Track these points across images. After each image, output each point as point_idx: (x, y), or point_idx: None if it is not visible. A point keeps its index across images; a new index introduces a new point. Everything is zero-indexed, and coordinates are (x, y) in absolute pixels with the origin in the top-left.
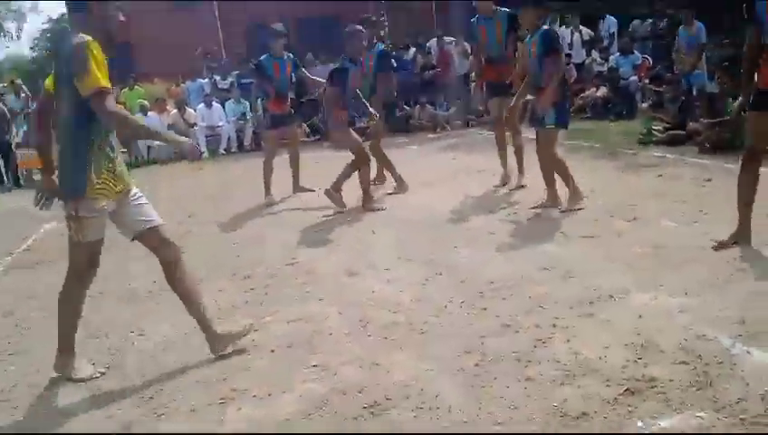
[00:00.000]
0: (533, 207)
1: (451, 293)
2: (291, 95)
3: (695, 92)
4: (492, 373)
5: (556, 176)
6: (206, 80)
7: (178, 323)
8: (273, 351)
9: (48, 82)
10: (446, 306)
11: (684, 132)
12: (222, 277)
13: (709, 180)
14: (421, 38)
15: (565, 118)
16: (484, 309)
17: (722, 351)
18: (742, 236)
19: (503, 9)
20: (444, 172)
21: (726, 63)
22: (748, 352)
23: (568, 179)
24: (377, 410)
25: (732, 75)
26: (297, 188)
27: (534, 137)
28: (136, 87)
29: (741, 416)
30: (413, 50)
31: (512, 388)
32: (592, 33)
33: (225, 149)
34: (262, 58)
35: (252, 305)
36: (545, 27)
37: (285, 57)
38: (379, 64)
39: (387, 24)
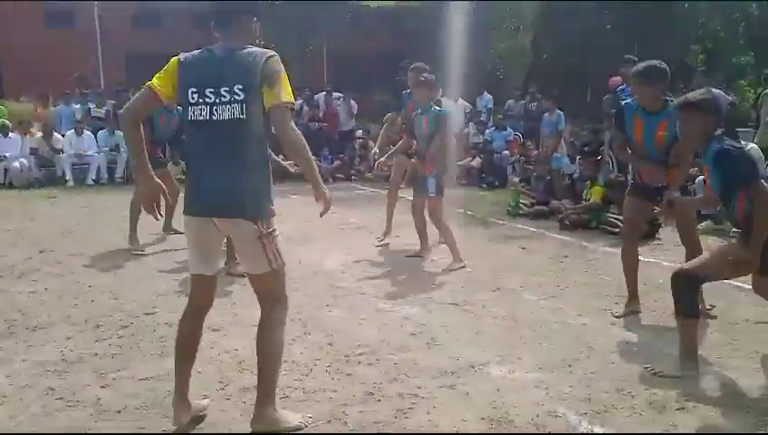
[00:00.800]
0: (409, 255)
1: (317, 355)
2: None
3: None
4: None
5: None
6: (79, 106)
7: (13, 374)
8: (119, 412)
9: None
10: (311, 370)
11: (547, 208)
12: (70, 324)
13: (566, 257)
14: (308, 91)
15: (442, 188)
16: (349, 375)
17: (569, 428)
18: (633, 305)
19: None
20: (324, 226)
21: (585, 149)
22: (592, 430)
23: (451, 243)
24: None
25: (589, 160)
26: (169, 227)
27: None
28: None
29: None
30: (300, 101)
31: None
32: (471, 107)
33: (93, 180)
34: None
35: (102, 359)
36: (437, 108)
37: (174, 110)
38: None
39: None
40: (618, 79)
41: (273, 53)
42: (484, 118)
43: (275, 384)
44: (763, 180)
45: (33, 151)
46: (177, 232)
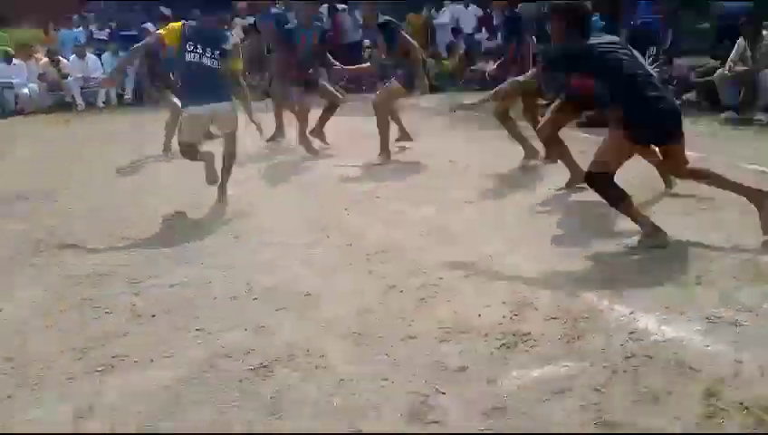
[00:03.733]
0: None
1: (338, 256)
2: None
3: None
4: (376, 333)
5: None
6: (81, 29)
7: (49, 282)
8: (153, 316)
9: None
10: (334, 270)
11: None
12: (99, 238)
13: (583, 152)
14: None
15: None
16: (370, 272)
17: (588, 306)
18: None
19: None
20: (338, 135)
21: None
22: (611, 308)
23: None
24: (262, 373)
25: None
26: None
27: None
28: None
29: (604, 364)
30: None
31: (395, 346)
32: (482, 12)
33: (104, 102)
34: (289, 25)
35: (132, 267)
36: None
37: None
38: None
39: None
40: None
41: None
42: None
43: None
44: None
45: (41, 77)
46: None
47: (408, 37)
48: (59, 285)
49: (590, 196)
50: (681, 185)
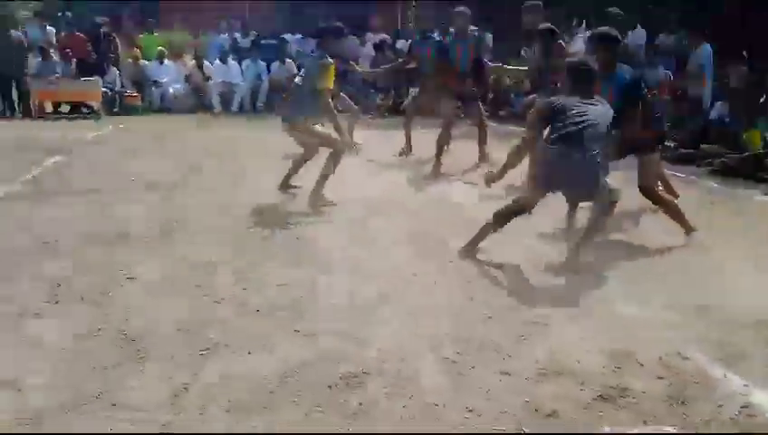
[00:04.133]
0: None
1: (442, 277)
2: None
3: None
4: (471, 362)
5: None
6: (226, 35)
7: (167, 265)
8: (258, 311)
9: None
10: (435, 290)
11: (695, 152)
12: (217, 232)
13: (713, 203)
14: None
15: None
16: (471, 299)
17: (699, 371)
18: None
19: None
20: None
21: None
22: (725, 376)
23: None
24: (352, 382)
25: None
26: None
27: None
28: (155, 33)
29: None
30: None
31: (488, 379)
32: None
33: (239, 107)
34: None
35: (246, 262)
36: None
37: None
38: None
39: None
40: None
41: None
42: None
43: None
44: None
45: (187, 78)
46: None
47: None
48: (176, 268)
49: (714, 253)
50: None
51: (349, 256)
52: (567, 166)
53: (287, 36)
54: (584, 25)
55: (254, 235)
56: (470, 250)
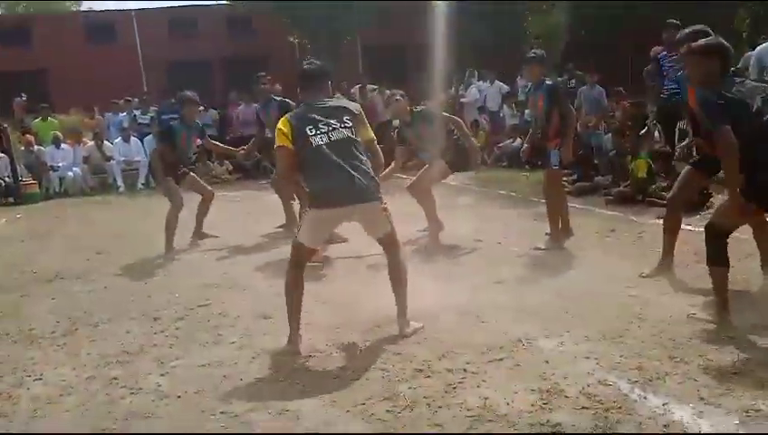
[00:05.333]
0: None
1: (367, 336)
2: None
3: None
4: (403, 419)
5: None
6: (125, 114)
7: (79, 366)
8: (179, 397)
9: None
10: (360, 351)
11: (589, 185)
12: (129, 319)
13: (613, 231)
14: (345, 84)
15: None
16: (399, 354)
17: (620, 396)
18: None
19: None
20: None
21: (629, 123)
22: (644, 398)
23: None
24: None
25: (632, 134)
26: (199, 234)
27: None
28: (50, 118)
29: None
30: (337, 95)
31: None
32: (508, 88)
33: (143, 184)
34: (173, 123)
35: (160, 348)
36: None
37: (194, 125)
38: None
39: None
40: (658, 48)
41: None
42: (524, 98)
43: (405, 299)
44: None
45: (86, 159)
46: (208, 235)
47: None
48: (89, 364)
49: (619, 280)
50: None
51: (266, 329)
52: None
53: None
54: (476, 76)
55: (168, 316)
56: (721, 314)
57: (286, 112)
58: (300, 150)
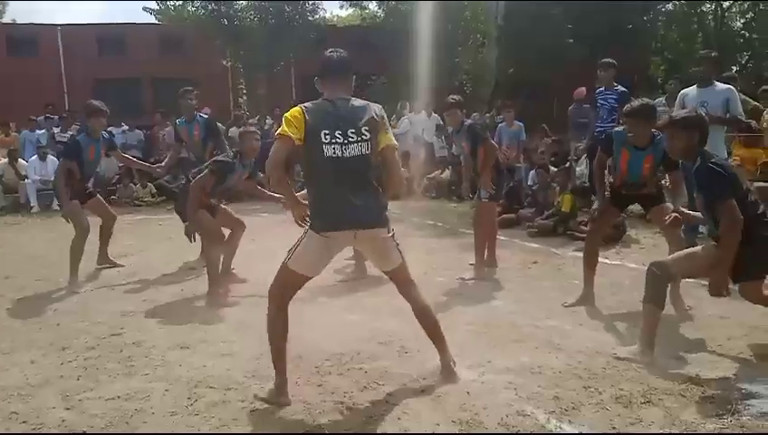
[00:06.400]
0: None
1: (287, 367)
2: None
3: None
4: None
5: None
6: (44, 131)
7: None
8: (85, 432)
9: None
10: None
11: (514, 217)
12: (35, 348)
13: (535, 262)
14: (278, 111)
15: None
16: (320, 385)
17: (538, 426)
18: (586, 299)
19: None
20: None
21: (553, 159)
22: (560, 428)
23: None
24: None
25: (562, 170)
26: (104, 259)
27: None
28: None
29: None
30: (270, 121)
31: None
32: (441, 121)
33: (59, 205)
34: (78, 137)
35: (67, 380)
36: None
37: (101, 138)
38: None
39: (245, 92)
40: (582, 90)
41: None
42: (452, 131)
43: (444, 339)
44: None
45: None
46: (114, 263)
47: None
48: None
49: (540, 311)
50: None
51: (183, 360)
52: None
53: (113, 129)
54: (408, 108)
55: (78, 346)
56: (644, 350)
57: (212, 133)
58: (308, 152)
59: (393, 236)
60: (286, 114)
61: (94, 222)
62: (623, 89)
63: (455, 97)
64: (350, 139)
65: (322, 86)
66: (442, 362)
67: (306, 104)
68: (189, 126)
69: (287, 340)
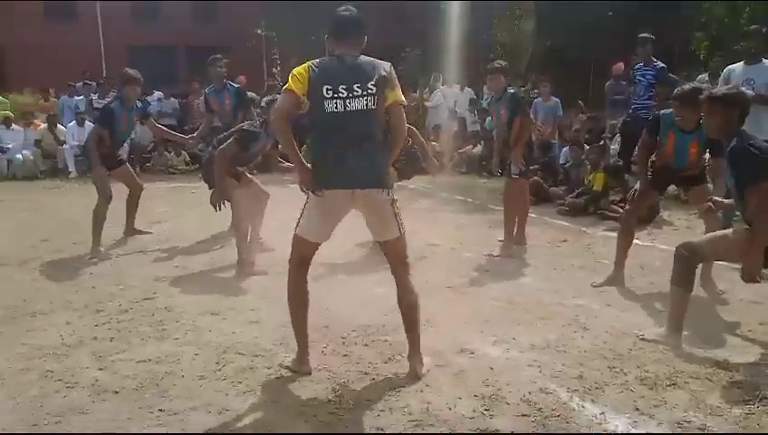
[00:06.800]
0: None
1: (314, 336)
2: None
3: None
4: (345, 421)
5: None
6: (82, 97)
7: (14, 357)
8: (117, 392)
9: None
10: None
11: (545, 194)
12: (71, 310)
13: (565, 241)
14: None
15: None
16: (345, 355)
17: (560, 404)
18: (615, 280)
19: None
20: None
21: (588, 136)
22: (582, 407)
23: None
24: None
25: (596, 147)
26: (131, 230)
27: None
28: (1, 97)
29: None
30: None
31: None
32: (474, 96)
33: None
34: (112, 105)
35: (100, 342)
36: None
37: (134, 107)
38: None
39: (279, 62)
40: (620, 65)
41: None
42: (486, 106)
43: (419, 338)
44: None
45: (38, 143)
46: (141, 232)
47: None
48: (25, 355)
49: (568, 290)
50: None
51: (212, 326)
52: None
53: (148, 98)
54: (441, 80)
55: (112, 309)
56: (672, 334)
57: (242, 103)
58: (312, 108)
59: (394, 204)
60: (295, 70)
61: (122, 191)
62: (662, 65)
63: (500, 62)
64: (355, 93)
65: (334, 45)
66: (410, 360)
67: (314, 61)
68: (220, 95)
69: (308, 311)
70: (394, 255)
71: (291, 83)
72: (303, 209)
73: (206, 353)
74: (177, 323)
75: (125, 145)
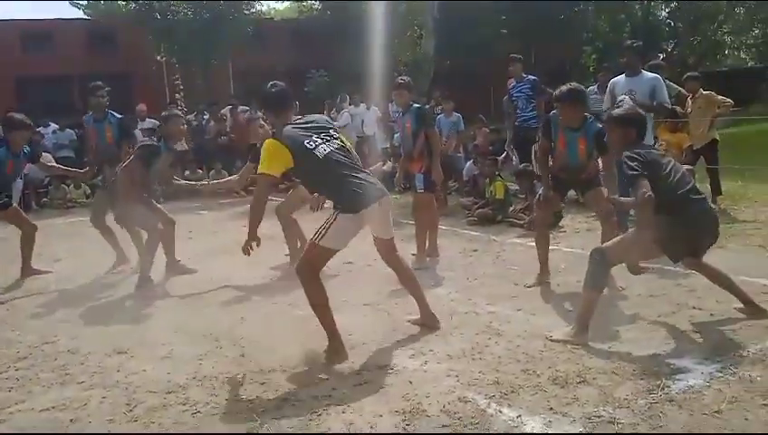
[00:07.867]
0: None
1: (229, 368)
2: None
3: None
4: None
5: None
6: None
7: None
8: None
9: None
10: (223, 383)
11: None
12: None
13: (476, 250)
14: (216, 106)
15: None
16: (263, 384)
17: (479, 411)
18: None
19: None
20: (234, 239)
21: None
22: (500, 411)
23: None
24: None
25: (489, 159)
26: (28, 271)
27: None
28: None
29: None
30: (206, 115)
31: None
32: (380, 114)
33: None
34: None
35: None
36: (417, 106)
37: (21, 153)
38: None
39: (182, 87)
40: (512, 80)
41: None
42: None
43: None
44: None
45: None
46: (40, 272)
47: None
48: None
49: (481, 298)
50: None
51: (121, 365)
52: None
53: (42, 129)
54: (347, 101)
55: (8, 356)
56: (579, 332)
57: (125, 135)
58: (304, 165)
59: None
60: (265, 149)
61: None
62: (533, 77)
63: (404, 78)
64: (327, 137)
65: (275, 118)
66: (423, 312)
67: (277, 137)
68: (100, 125)
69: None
70: (390, 247)
71: (268, 166)
72: (329, 227)
73: (115, 395)
74: (81, 366)
75: (17, 182)
